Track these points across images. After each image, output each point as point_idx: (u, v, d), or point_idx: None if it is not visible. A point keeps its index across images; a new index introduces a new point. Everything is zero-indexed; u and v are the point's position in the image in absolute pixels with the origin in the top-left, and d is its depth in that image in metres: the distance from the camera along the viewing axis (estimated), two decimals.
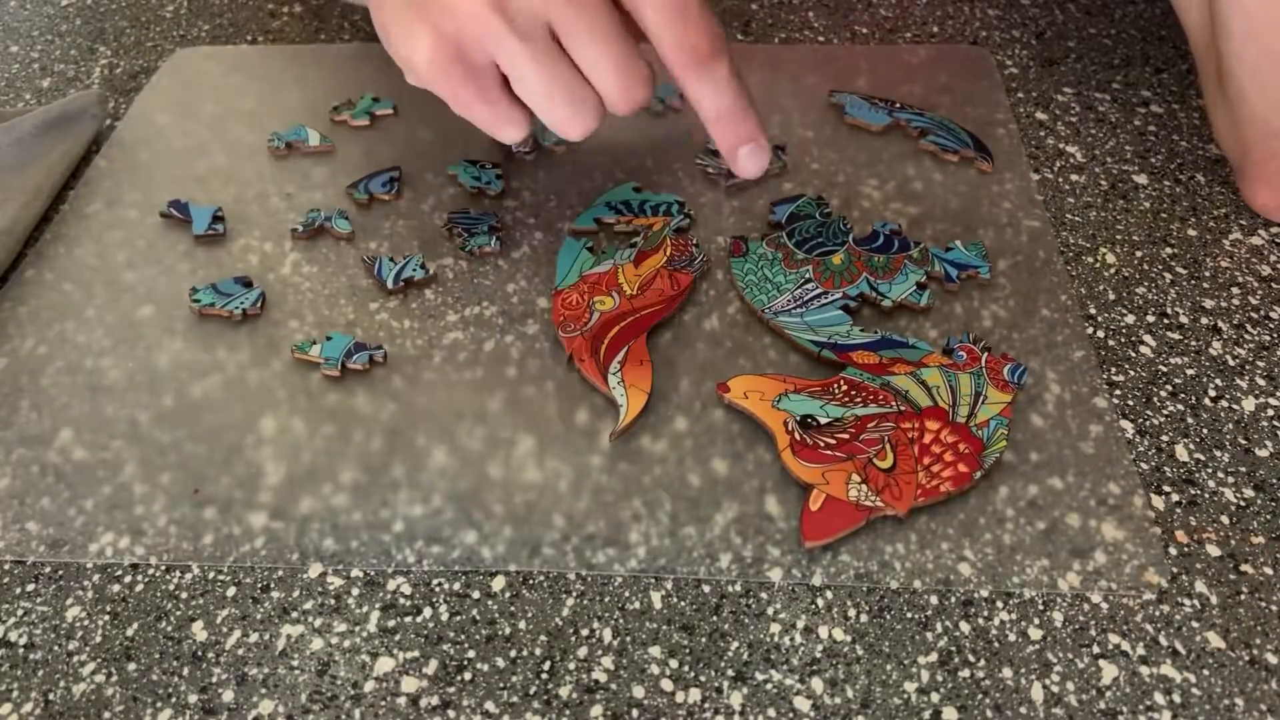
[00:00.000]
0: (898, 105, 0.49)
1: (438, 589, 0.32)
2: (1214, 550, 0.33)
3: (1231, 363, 0.38)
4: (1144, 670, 0.30)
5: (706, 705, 0.30)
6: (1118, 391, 0.37)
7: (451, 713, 0.30)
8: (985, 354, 0.37)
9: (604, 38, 0.35)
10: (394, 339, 0.39)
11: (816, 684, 0.30)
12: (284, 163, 0.47)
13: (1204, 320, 0.40)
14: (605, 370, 0.37)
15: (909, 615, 0.31)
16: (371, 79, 0.52)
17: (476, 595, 0.32)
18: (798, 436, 0.35)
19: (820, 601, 0.32)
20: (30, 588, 0.33)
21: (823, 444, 0.34)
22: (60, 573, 0.33)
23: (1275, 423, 0.36)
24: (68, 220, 0.45)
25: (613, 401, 0.37)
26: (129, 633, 0.32)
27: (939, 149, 0.46)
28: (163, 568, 0.33)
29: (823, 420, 0.35)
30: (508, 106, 0.37)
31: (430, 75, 0.37)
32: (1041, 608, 0.31)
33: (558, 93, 0.36)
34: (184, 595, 0.32)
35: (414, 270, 0.41)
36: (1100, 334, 0.39)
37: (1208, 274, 0.42)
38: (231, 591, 0.32)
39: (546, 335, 0.39)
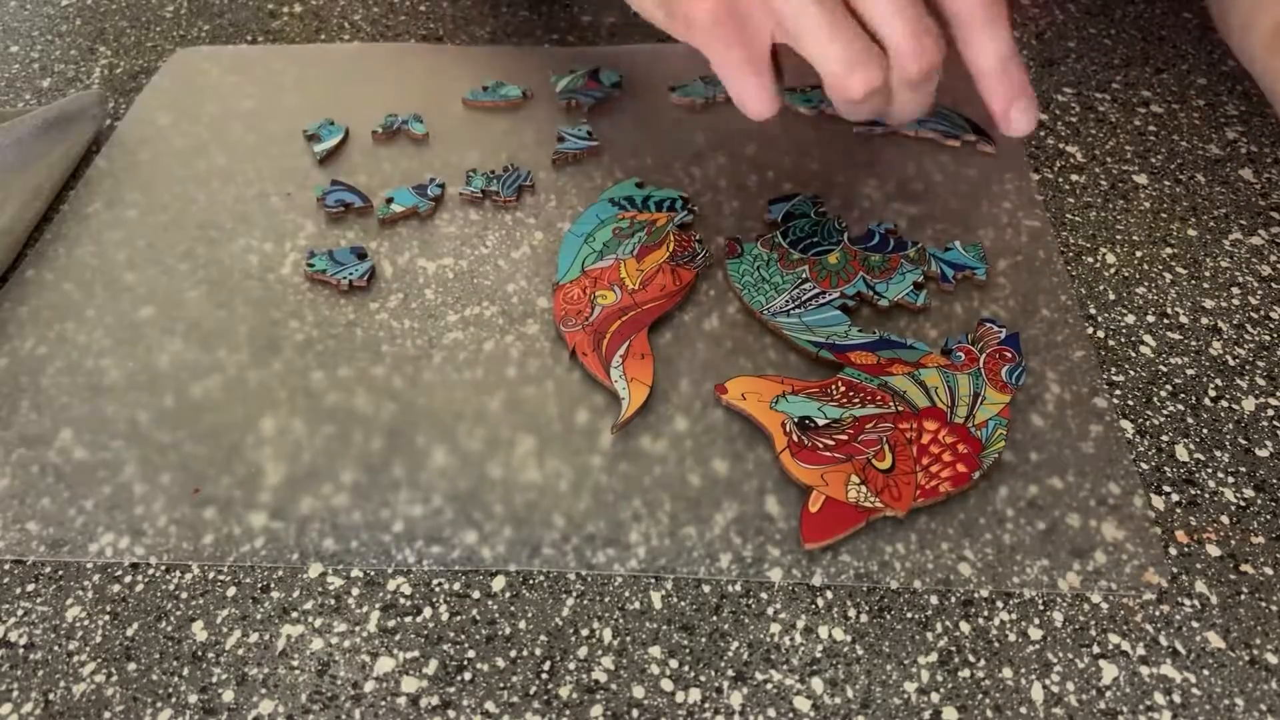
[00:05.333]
0: None
1: (438, 589, 0.32)
2: (1214, 550, 0.33)
3: (1231, 363, 0.38)
4: (1144, 670, 0.30)
5: (706, 705, 0.30)
6: (1118, 391, 0.37)
7: (451, 713, 0.30)
8: (983, 354, 0.37)
9: None
10: (394, 339, 0.39)
11: (816, 684, 0.30)
12: (284, 163, 0.47)
13: (1204, 320, 0.40)
14: (608, 364, 0.37)
15: (909, 615, 0.31)
16: (372, 80, 0.52)
17: (476, 595, 0.32)
18: (796, 438, 0.35)
19: (820, 601, 0.32)
20: (30, 588, 0.33)
21: (821, 445, 0.34)
22: (60, 573, 0.33)
23: (1275, 423, 0.36)
24: (68, 220, 0.45)
25: (615, 395, 0.37)
26: (129, 633, 0.32)
27: (940, 134, 0.46)
28: (163, 568, 0.33)
29: (820, 421, 0.35)
30: (769, 78, 0.37)
31: (707, 31, 0.36)
32: (1041, 608, 0.31)
33: (840, 39, 0.35)
34: (184, 595, 0.32)
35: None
36: (1100, 334, 0.39)
37: (1208, 274, 0.42)
38: (231, 591, 0.32)
39: (547, 335, 0.39)
